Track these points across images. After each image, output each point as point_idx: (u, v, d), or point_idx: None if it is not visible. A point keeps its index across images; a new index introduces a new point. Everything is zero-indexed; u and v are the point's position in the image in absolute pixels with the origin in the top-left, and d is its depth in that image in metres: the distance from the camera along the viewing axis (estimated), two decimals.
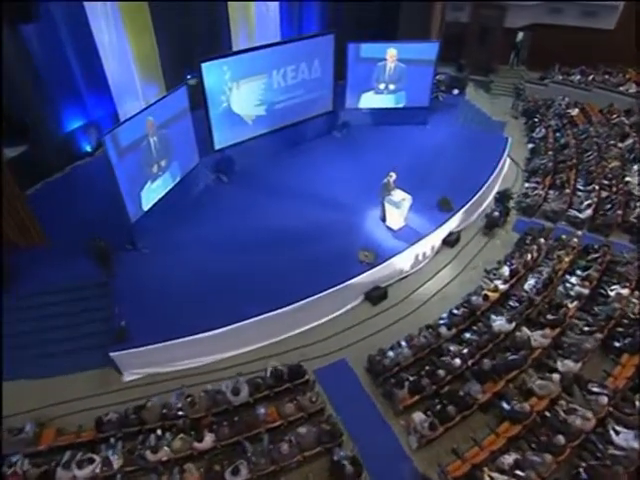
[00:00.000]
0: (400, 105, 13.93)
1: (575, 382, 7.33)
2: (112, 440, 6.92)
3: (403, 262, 9.90)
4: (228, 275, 9.14)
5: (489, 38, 17.87)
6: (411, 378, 7.53)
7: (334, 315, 9.25)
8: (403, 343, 8.18)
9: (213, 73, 10.36)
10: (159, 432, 7.01)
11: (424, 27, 14.82)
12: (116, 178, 8.61)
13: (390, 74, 13.31)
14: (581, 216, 11.33)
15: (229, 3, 12.20)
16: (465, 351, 7.81)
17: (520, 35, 18.56)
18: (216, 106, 10.82)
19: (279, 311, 8.50)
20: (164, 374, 8.26)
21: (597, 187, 12.00)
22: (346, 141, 13.74)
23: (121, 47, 11.72)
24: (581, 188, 12.28)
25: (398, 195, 9.95)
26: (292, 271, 9.25)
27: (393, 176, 9.95)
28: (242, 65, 10.76)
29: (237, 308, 8.43)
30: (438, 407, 7.06)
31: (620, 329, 8.27)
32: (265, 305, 8.50)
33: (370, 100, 13.68)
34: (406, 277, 10.13)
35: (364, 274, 9.25)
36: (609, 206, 11.43)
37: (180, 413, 7.12)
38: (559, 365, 7.57)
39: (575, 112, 15.73)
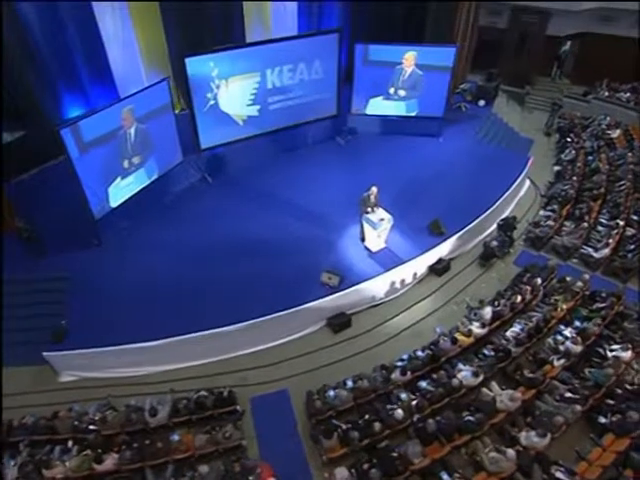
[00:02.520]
0: (412, 114, 12.64)
1: (537, 461, 5.99)
2: (21, 446, 6.48)
3: (375, 288, 8.78)
4: (184, 284, 8.52)
5: (528, 46, 15.95)
6: (344, 426, 6.50)
7: (289, 339, 8.34)
8: (349, 383, 7.14)
9: (198, 69, 9.68)
10: (70, 444, 6.49)
11: (448, 30, 13.33)
12: (76, 173, 8.16)
13: (404, 80, 12.05)
14: (596, 255, 9.63)
15: None
16: (414, 403, 6.64)
17: (567, 45, 16.47)
18: (202, 104, 10.14)
19: (225, 329, 7.73)
20: (100, 379, 7.77)
21: (622, 223, 10.17)
22: (348, 149, 12.66)
23: (126, 37, 11.39)
24: (603, 222, 10.48)
25: (377, 214, 8.84)
26: (252, 287, 8.45)
27: (374, 191, 8.84)
28: (231, 62, 10.00)
29: (184, 320, 7.77)
30: (365, 466, 6.00)
31: (610, 401, 6.75)
32: (214, 320, 7.77)
33: (379, 106, 12.50)
34: (378, 305, 9.00)
35: (326, 298, 8.26)
36: (632, 247, 9.62)
37: (92, 427, 6.54)
38: (522, 437, 6.24)
39: (616, 134, 13.65)
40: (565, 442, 6.49)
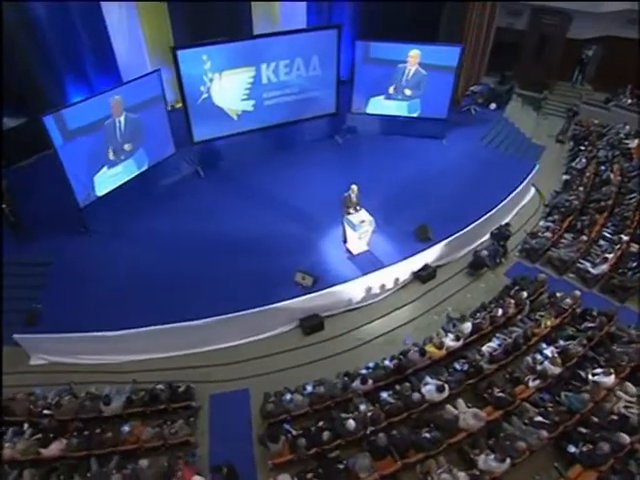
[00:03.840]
0: (414, 114, 12.15)
1: None
2: None
3: (352, 292, 8.44)
4: (161, 276, 8.45)
5: (548, 49, 15.10)
6: (294, 432, 6.23)
7: (258, 337, 8.14)
8: (309, 387, 6.85)
9: (191, 62, 9.56)
10: (25, 427, 6.49)
11: (461, 30, 12.73)
12: (60, 160, 8.19)
13: (408, 79, 11.59)
14: (593, 271, 8.95)
15: None
16: (369, 414, 6.29)
17: (591, 49, 15.48)
18: (195, 97, 10.03)
19: (193, 323, 7.60)
20: (69, 365, 7.79)
21: (626, 238, 9.43)
22: (346, 148, 12.30)
23: (132, 28, 11.42)
24: (607, 236, 9.75)
25: (359, 216, 8.48)
26: (227, 283, 8.30)
27: (354, 189, 8.49)
28: (224, 56, 9.83)
29: (155, 312, 7.68)
30: (309, 475, 5.71)
31: (583, 430, 6.20)
32: (184, 314, 7.66)
33: (380, 106, 12.07)
34: (355, 310, 8.65)
35: (300, 299, 8.01)
36: (635, 264, 8.89)
37: (46, 412, 6.52)
38: (480, 460, 5.80)
39: (634, 143, 12.71)
40: (529, 470, 6.02)
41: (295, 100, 11.27)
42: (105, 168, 9.13)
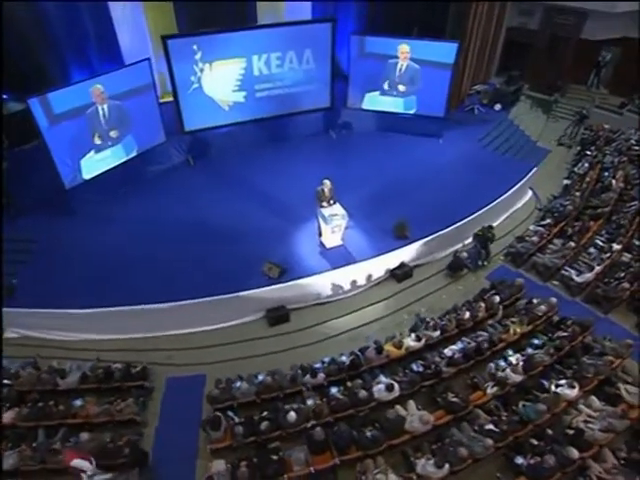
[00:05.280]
0: (410, 111, 11.85)
1: None
2: None
3: (321, 286, 8.28)
4: (138, 259, 8.56)
5: (560, 50, 14.40)
6: (237, 420, 6.14)
7: (224, 325, 8.09)
8: (260, 377, 6.74)
9: (181, 51, 9.64)
10: None
11: (462, 28, 12.28)
12: (45, 142, 8.39)
13: (401, 74, 11.31)
14: (577, 279, 8.44)
15: None
16: (319, 408, 6.12)
17: (610, 51, 14.65)
18: (185, 86, 10.10)
19: (159, 306, 7.63)
20: (39, 340, 7.96)
21: (618, 247, 8.85)
22: (339, 143, 12.14)
23: (136, 17, 11.56)
24: (599, 244, 9.18)
25: (331, 209, 8.30)
26: (198, 269, 8.30)
27: (327, 184, 8.32)
28: (215, 46, 9.86)
29: (126, 293, 7.78)
30: (243, 463, 5.60)
31: (534, 442, 5.83)
32: (153, 296, 7.70)
33: (375, 102, 11.83)
34: (324, 304, 8.48)
35: (264, 289, 7.90)
36: (623, 275, 8.33)
37: (6, 382, 6.68)
38: (419, 464, 5.54)
39: None
40: (472, 478, 5.70)
41: (288, 93, 11.19)
42: (92, 152, 9.31)
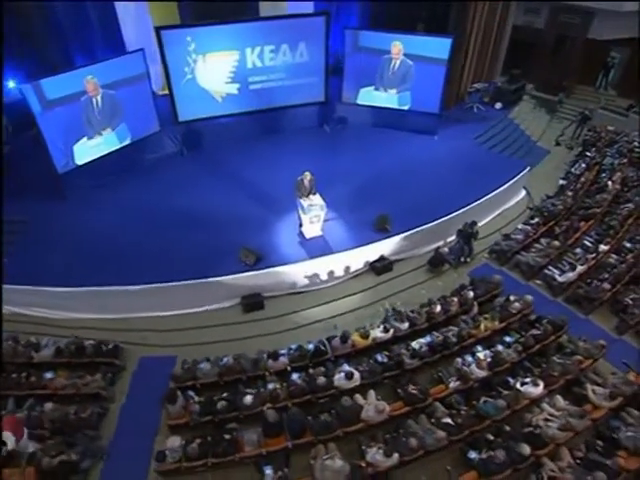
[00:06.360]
0: (405, 107, 11.74)
1: None
2: None
3: (297, 275, 8.28)
4: (122, 243, 8.69)
5: (566, 50, 14.02)
6: (196, 398, 6.21)
7: (200, 309, 8.18)
8: (225, 359, 6.79)
9: (175, 42, 9.78)
10: None
11: (462, 26, 12.09)
12: (38, 126, 8.65)
13: (394, 70, 11.22)
14: (559, 279, 8.20)
15: None
16: (275, 392, 6.13)
17: (619, 52, 14.20)
18: (179, 77, 10.24)
19: (138, 287, 7.79)
20: (24, 316, 8.18)
21: (605, 247, 8.56)
22: (333, 137, 12.11)
23: (139, 13, 11.85)
24: (587, 244, 8.90)
25: (310, 200, 8.29)
26: (180, 253, 8.41)
27: (308, 176, 8.31)
28: (209, 38, 9.97)
29: (107, 275, 7.91)
30: (197, 441, 5.65)
31: (491, 437, 5.69)
32: (132, 278, 7.86)
33: (370, 96, 11.77)
34: (300, 293, 8.48)
35: (238, 275, 7.96)
36: (606, 275, 8.05)
37: None
38: (369, 452, 5.48)
39: None
40: (429, 470, 5.61)
41: (282, 86, 11.23)
42: (85, 139, 9.54)
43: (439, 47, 10.57)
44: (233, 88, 10.85)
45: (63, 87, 8.76)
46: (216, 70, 10.44)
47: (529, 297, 7.52)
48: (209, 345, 7.58)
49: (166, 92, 10.86)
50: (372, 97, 11.74)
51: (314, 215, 8.30)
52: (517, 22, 14.33)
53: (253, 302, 8.11)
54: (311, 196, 8.38)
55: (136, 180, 10.33)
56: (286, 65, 10.90)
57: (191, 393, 6.34)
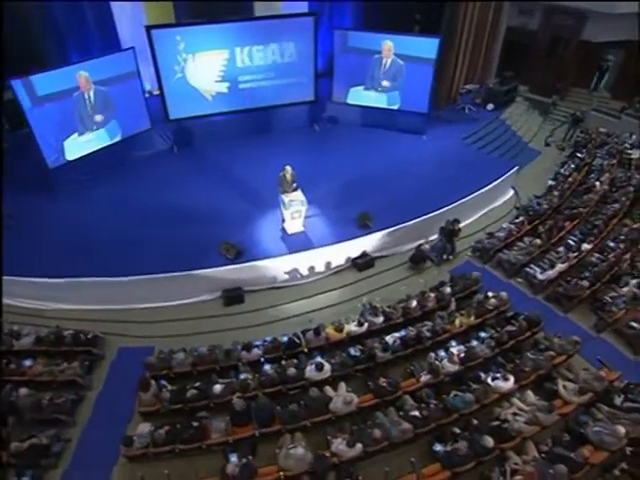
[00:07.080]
0: (394, 107, 11.80)
1: (336, 469, 5.23)
2: None
3: (277, 269, 8.33)
4: (108, 236, 8.77)
5: (560, 51, 13.99)
6: (169, 387, 6.26)
7: (181, 302, 8.25)
8: (201, 348, 6.84)
9: (165, 42, 9.93)
10: None
11: (453, 27, 12.11)
12: (28, 122, 8.82)
13: (385, 70, 11.29)
14: (540, 277, 8.16)
15: None
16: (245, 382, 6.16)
17: (613, 54, 14.13)
18: (169, 76, 10.39)
19: (120, 279, 7.88)
20: (7, 306, 8.27)
21: (588, 246, 8.50)
22: (322, 137, 12.17)
23: (135, 13, 12.02)
24: (571, 243, 8.85)
25: (291, 195, 8.35)
26: (163, 247, 8.48)
27: (288, 170, 8.39)
28: (197, 37, 10.12)
29: (92, 267, 8.00)
30: (166, 427, 5.70)
31: (457, 430, 5.66)
32: (115, 270, 7.95)
33: (359, 96, 11.84)
34: (281, 288, 8.51)
35: (219, 268, 8.02)
36: (587, 274, 7.99)
37: None
38: (334, 443, 5.49)
39: (637, 155, 11.45)
40: (390, 462, 5.58)
41: (271, 85, 11.33)
42: (75, 135, 9.70)
43: (427, 47, 10.63)
44: (223, 87, 10.98)
45: (54, 83, 8.94)
46: (206, 69, 10.58)
47: (504, 294, 7.49)
48: (188, 337, 7.64)
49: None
50: (362, 97, 11.81)
51: (295, 210, 8.35)
52: (511, 23, 14.31)
53: (233, 295, 8.17)
54: (293, 191, 8.43)
55: (126, 176, 10.48)
56: (275, 64, 11.01)
57: (164, 382, 6.39)
